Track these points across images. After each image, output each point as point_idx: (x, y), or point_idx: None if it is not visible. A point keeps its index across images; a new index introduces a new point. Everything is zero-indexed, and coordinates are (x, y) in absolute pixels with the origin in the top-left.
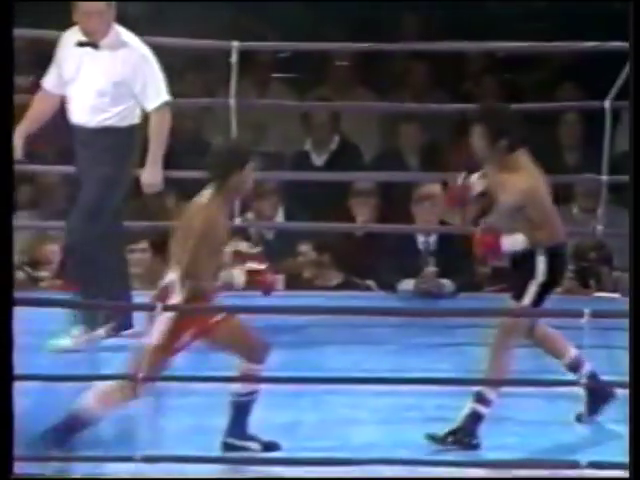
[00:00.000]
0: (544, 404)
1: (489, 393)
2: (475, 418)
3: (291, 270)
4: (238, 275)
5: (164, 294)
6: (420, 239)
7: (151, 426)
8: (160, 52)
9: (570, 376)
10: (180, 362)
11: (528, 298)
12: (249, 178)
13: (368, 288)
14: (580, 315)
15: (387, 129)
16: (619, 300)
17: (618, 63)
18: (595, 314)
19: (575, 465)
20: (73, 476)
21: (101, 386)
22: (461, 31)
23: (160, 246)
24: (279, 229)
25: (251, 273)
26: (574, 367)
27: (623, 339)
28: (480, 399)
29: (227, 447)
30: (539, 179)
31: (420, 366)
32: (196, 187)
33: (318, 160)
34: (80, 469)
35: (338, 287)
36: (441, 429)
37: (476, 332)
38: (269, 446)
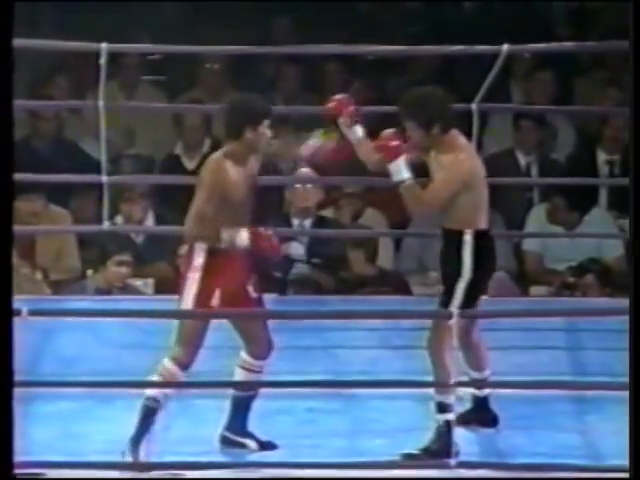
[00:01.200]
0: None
1: (447, 399)
2: (447, 427)
3: (161, 273)
4: (243, 235)
5: (188, 257)
6: (295, 222)
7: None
8: (29, 54)
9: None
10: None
11: (456, 302)
12: (263, 136)
13: None
14: (449, 316)
15: None
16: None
17: (485, 66)
18: (463, 315)
19: (446, 465)
20: (73, 476)
21: None
22: (333, 34)
23: (26, 251)
24: (149, 233)
25: (257, 235)
26: (480, 385)
27: (492, 340)
28: (443, 409)
29: (224, 440)
30: (478, 158)
31: (291, 369)
32: (64, 190)
33: (189, 164)
34: None
35: None
36: (312, 432)
37: (345, 335)
38: (266, 446)
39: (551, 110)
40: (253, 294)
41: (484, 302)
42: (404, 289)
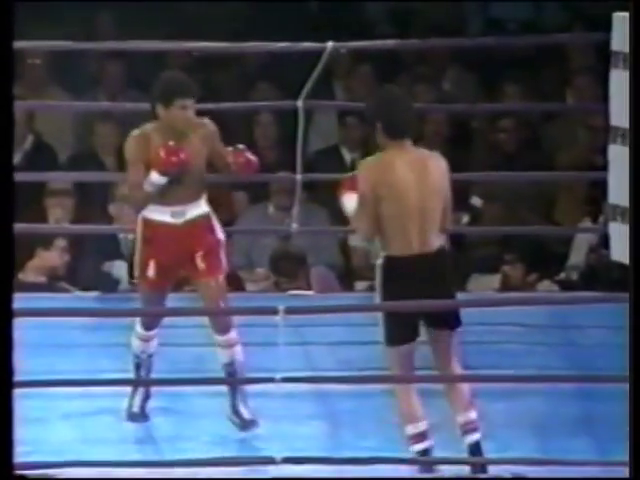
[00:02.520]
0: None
1: (417, 428)
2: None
3: None
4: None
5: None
6: (122, 239)
7: None
8: None
9: None
10: None
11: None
12: (177, 115)
13: (66, 290)
14: (275, 312)
15: (82, 129)
16: (314, 297)
17: (311, 63)
18: (289, 311)
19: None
20: (73, 476)
21: None
22: (156, 31)
23: None
24: None
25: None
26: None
27: (317, 335)
28: (415, 439)
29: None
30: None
31: (114, 367)
32: None
33: (14, 159)
34: None
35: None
36: (139, 429)
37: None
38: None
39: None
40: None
41: (309, 298)
42: (238, 286)
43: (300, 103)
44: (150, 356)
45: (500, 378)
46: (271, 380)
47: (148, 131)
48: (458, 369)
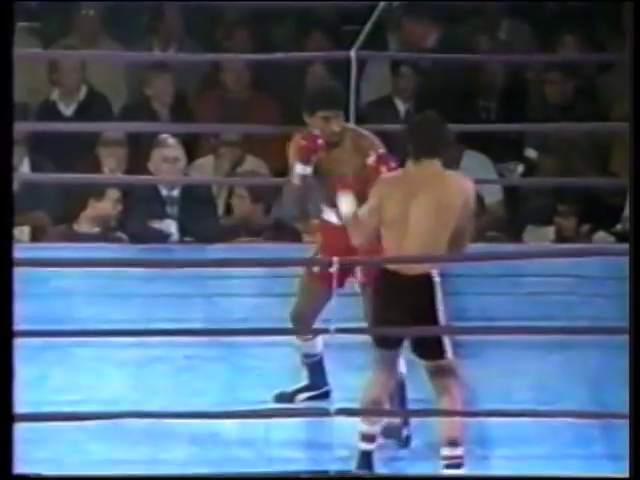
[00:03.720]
0: None
1: (371, 429)
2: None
3: (37, 222)
4: None
5: None
6: (164, 192)
7: None
8: None
9: None
10: None
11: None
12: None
13: (118, 239)
14: (330, 264)
15: (136, 79)
16: None
17: (363, 14)
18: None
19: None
20: (73, 476)
21: None
22: None
23: None
24: (24, 181)
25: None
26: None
27: None
28: (365, 438)
29: None
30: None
31: (167, 317)
32: None
33: (66, 110)
34: None
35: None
36: (191, 379)
37: (226, 283)
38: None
39: (427, 57)
40: None
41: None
42: (295, 237)
43: (353, 53)
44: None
45: (555, 330)
46: (326, 331)
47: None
48: (448, 403)
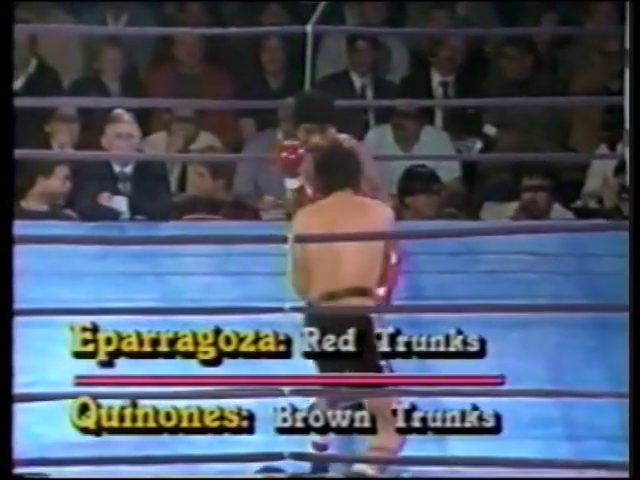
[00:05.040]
0: None
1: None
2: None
3: None
4: None
5: None
6: (116, 168)
7: None
8: None
9: None
10: None
11: None
12: None
13: (68, 217)
14: (285, 240)
15: (87, 53)
16: None
17: None
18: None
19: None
20: (73, 476)
21: None
22: None
23: None
24: None
25: None
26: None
27: None
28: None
29: None
30: None
31: (119, 296)
32: None
33: (15, 84)
34: None
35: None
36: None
37: (178, 261)
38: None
39: (385, 31)
40: None
41: None
42: (252, 214)
43: (309, 28)
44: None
45: (514, 308)
46: (280, 310)
47: None
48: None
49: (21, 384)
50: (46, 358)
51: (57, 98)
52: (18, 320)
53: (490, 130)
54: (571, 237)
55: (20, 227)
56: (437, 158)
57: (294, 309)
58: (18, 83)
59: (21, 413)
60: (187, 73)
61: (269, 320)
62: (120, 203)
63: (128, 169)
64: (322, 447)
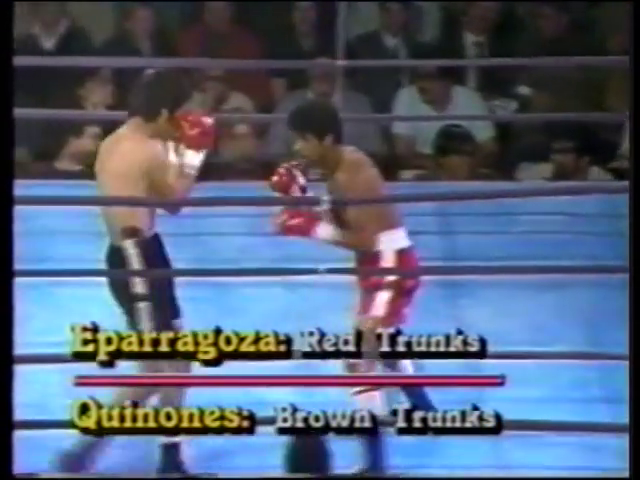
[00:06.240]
0: None
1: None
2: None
3: (18, 159)
4: None
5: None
6: None
7: None
8: None
9: None
10: None
11: None
12: None
13: None
14: (318, 202)
15: (120, 13)
16: None
17: None
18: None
19: None
20: (74, 476)
21: None
22: None
23: None
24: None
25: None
26: None
27: None
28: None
29: None
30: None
31: None
32: None
33: (47, 44)
34: None
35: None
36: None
37: (215, 221)
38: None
39: None
40: None
41: None
42: None
43: None
44: None
45: (549, 269)
46: (314, 271)
47: None
48: None
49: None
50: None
51: (89, 58)
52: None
53: (524, 90)
54: (606, 198)
55: (54, 187)
56: (471, 118)
57: (329, 270)
58: (49, 43)
59: (55, 373)
60: (218, 33)
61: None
62: None
63: None
64: (173, 446)
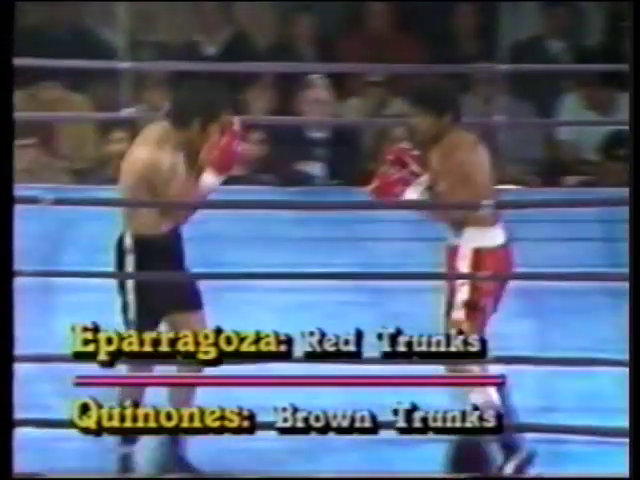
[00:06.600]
0: None
1: None
2: None
3: None
4: None
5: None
6: (311, 134)
7: None
8: None
9: None
10: None
11: None
12: None
13: (267, 183)
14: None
15: (283, 19)
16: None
17: None
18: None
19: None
20: (74, 476)
21: None
22: None
23: (46, 139)
24: None
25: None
26: None
27: (525, 231)
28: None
29: None
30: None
31: (317, 261)
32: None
33: (210, 50)
34: None
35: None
36: (340, 325)
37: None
38: None
39: None
40: None
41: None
42: None
43: None
44: None
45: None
46: (472, 277)
47: None
48: None
49: None
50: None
51: (252, 63)
52: (225, 283)
53: None
54: None
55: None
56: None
57: (485, 277)
58: (213, 49)
59: None
60: (379, 38)
61: None
62: (315, 168)
63: (323, 134)
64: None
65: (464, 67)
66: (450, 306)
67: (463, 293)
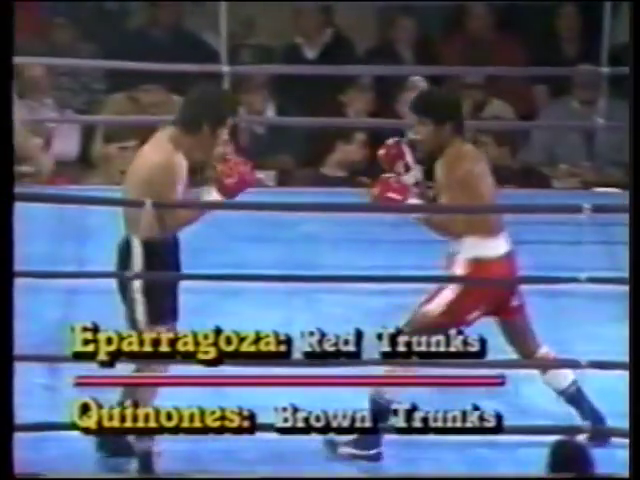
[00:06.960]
0: None
1: None
2: None
3: (283, 166)
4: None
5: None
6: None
7: None
8: None
9: None
10: None
11: None
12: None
13: (364, 184)
14: (579, 210)
15: (383, 22)
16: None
17: None
18: (596, 208)
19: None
20: (75, 476)
21: None
22: None
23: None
24: (269, 124)
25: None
26: None
27: (624, 234)
28: None
29: None
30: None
31: (414, 263)
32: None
33: (310, 53)
34: None
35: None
36: None
37: None
38: None
39: None
40: (514, 302)
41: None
42: (543, 182)
43: None
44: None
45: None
46: (575, 280)
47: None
48: None
49: None
50: (342, 325)
51: (353, 66)
52: (319, 286)
53: None
54: None
55: (317, 194)
56: None
57: (591, 279)
58: (313, 53)
59: None
60: (479, 40)
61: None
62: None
63: None
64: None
65: (565, 69)
66: (430, 299)
67: (450, 294)
